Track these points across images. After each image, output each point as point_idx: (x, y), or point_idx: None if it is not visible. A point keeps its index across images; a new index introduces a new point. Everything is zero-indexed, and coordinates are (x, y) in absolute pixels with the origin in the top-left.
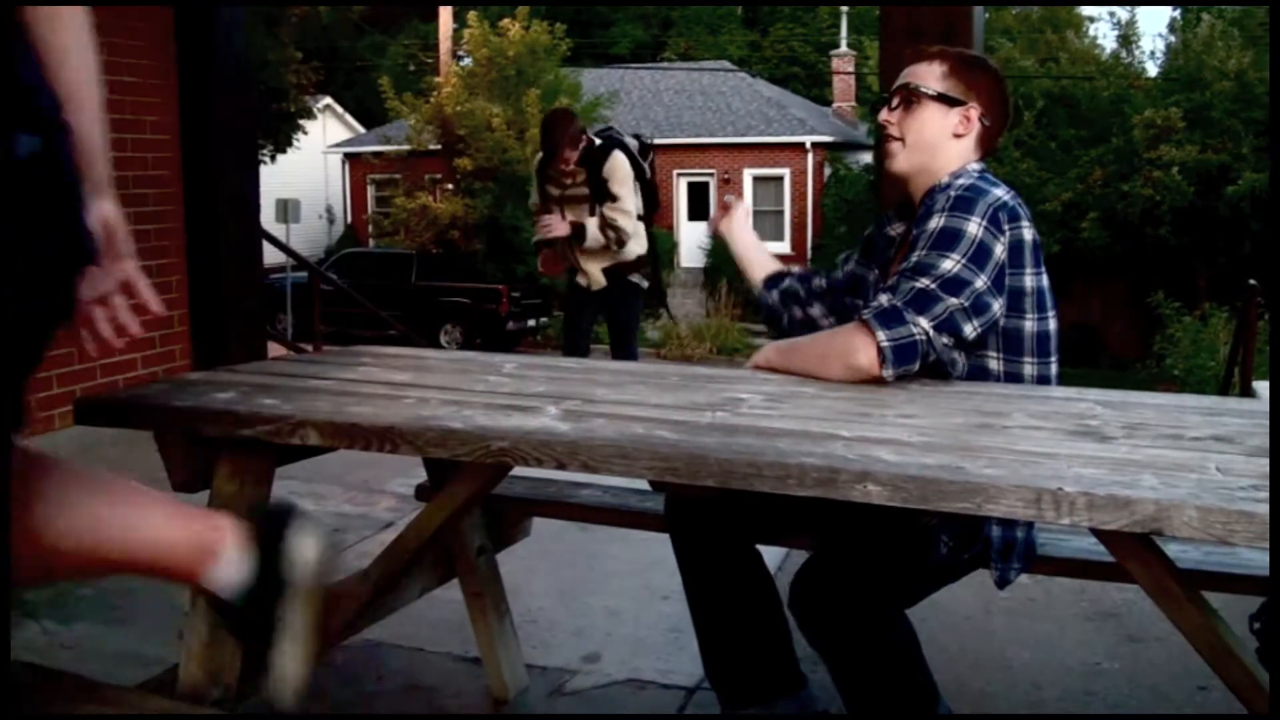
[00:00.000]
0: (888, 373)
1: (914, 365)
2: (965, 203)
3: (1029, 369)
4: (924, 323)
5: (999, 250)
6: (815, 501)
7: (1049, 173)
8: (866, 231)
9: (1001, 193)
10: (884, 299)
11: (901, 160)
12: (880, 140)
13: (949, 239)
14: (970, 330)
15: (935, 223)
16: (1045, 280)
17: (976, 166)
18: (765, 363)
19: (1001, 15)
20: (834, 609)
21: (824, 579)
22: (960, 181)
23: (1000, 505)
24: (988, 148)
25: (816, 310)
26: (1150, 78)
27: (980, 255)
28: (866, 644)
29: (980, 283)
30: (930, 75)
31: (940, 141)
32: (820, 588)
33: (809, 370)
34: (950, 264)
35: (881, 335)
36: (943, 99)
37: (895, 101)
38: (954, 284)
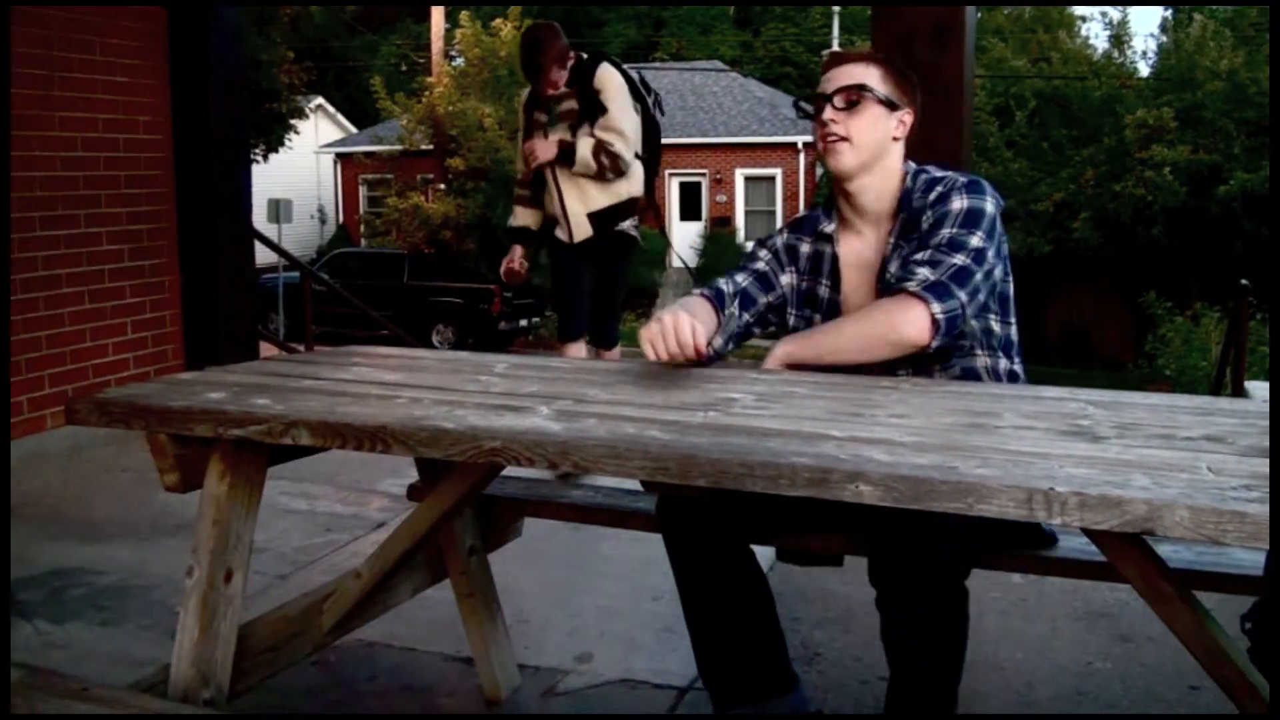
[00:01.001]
0: (936, 342)
1: (953, 335)
2: (977, 185)
3: (1014, 331)
4: (963, 296)
5: (999, 224)
6: (811, 500)
7: (1041, 172)
8: (779, 241)
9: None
10: (926, 273)
11: (849, 158)
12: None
13: (975, 218)
14: (985, 297)
15: (959, 203)
16: None
17: (914, 165)
18: (787, 359)
19: (993, 15)
20: (930, 567)
21: (920, 538)
22: (946, 173)
23: (992, 505)
24: (908, 153)
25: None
26: (1142, 78)
27: (993, 230)
28: (954, 606)
29: (992, 255)
30: (871, 78)
31: (883, 142)
32: (916, 546)
33: (843, 356)
34: (977, 240)
35: (936, 306)
36: (886, 102)
37: (840, 101)
38: (980, 257)
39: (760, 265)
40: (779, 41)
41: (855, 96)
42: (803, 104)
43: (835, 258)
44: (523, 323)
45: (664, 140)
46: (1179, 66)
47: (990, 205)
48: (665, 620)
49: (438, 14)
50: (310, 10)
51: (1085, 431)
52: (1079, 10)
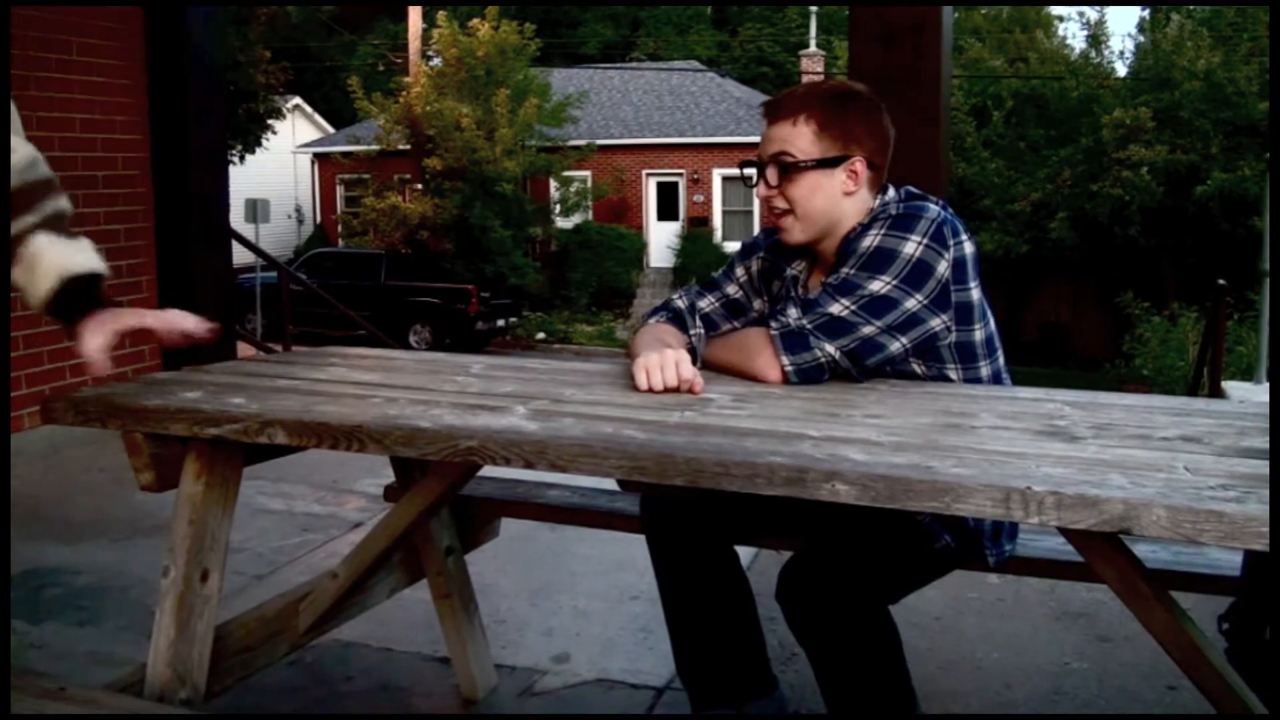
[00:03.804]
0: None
1: (824, 379)
2: (905, 221)
3: (985, 370)
4: (830, 348)
5: (941, 267)
6: (793, 501)
7: (1018, 172)
8: (755, 266)
9: (938, 208)
10: (793, 316)
11: (798, 233)
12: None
13: (882, 259)
14: (898, 347)
15: (870, 241)
16: (981, 288)
17: (892, 195)
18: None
19: (970, 15)
20: (828, 601)
21: (819, 570)
22: (903, 203)
23: (969, 504)
24: (883, 181)
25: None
26: (1119, 78)
27: (916, 275)
28: (858, 638)
29: (912, 303)
30: (801, 139)
31: (833, 205)
32: (815, 579)
33: (728, 370)
34: (878, 285)
35: (785, 359)
36: (822, 164)
37: (772, 176)
38: (877, 306)
39: (732, 290)
40: (756, 41)
41: (783, 169)
42: (746, 170)
43: (803, 292)
44: (500, 323)
45: (642, 140)
46: (1156, 66)
47: (910, 246)
48: (643, 621)
49: (415, 14)
50: (288, 10)
51: (1062, 432)
52: (1056, 10)
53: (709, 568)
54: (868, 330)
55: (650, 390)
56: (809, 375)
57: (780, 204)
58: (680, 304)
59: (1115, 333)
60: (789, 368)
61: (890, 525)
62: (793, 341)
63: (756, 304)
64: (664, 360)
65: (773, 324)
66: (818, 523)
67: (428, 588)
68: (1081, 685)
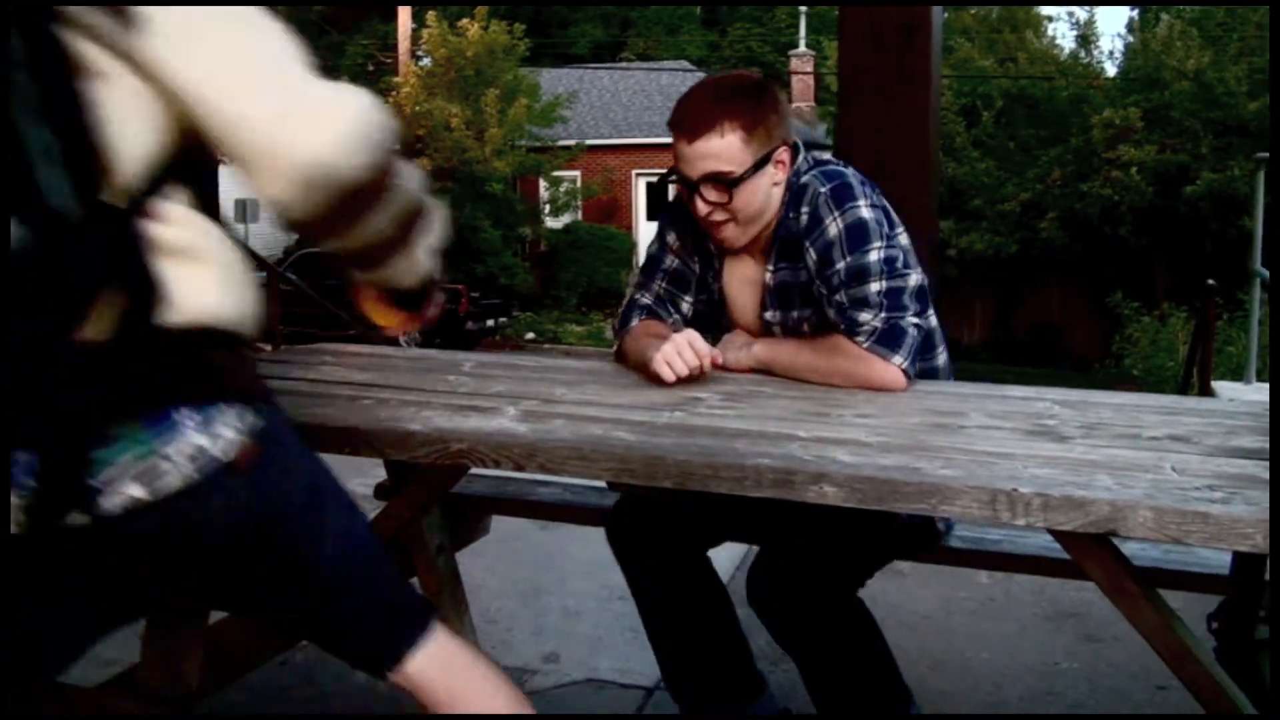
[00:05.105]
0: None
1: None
2: (842, 192)
3: (933, 319)
4: (910, 317)
5: (885, 220)
6: (763, 499)
7: (1008, 173)
8: (686, 227)
9: (843, 169)
10: (868, 318)
11: (740, 237)
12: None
13: (859, 233)
14: (929, 294)
15: (835, 227)
16: None
17: (795, 176)
18: (757, 363)
19: (960, 15)
20: (794, 596)
21: (782, 566)
22: (812, 187)
23: (956, 506)
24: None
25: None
26: (1109, 78)
27: (887, 224)
28: (831, 628)
29: (900, 252)
30: (734, 149)
31: (768, 199)
32: (778, 576)
33: (815, 381)
34: (876, 253)
35: (897, 359)
36: (756, 167)
37: (711, 194)
38: (890, 265)
39: (669, 262)
40: (745, 41)
41: (726, 185)
42: (670, 186)
43: (721, 271)
44: (489, 323)
45: (632, 140)
46: (1146, 66)
47: (865, 209)
48: (632, 620)
49: (404, 14)
50: (277, 10)
51: (1051, 431)
52: (1046, 10)
53: (680, 578)
54: (911, 283)
55: (679, 379)
56: (916, 358)
57: (721, 215)
58: (646, 299)
59: (1106, 333)
60: (906, 365)
61: (848, 510)
62: (892, 338)
63: (694, 264)
64: (678, 346)
65: (860, 339)
66: (779, 516)
67: (418, 586)
68: (1071, 685)
